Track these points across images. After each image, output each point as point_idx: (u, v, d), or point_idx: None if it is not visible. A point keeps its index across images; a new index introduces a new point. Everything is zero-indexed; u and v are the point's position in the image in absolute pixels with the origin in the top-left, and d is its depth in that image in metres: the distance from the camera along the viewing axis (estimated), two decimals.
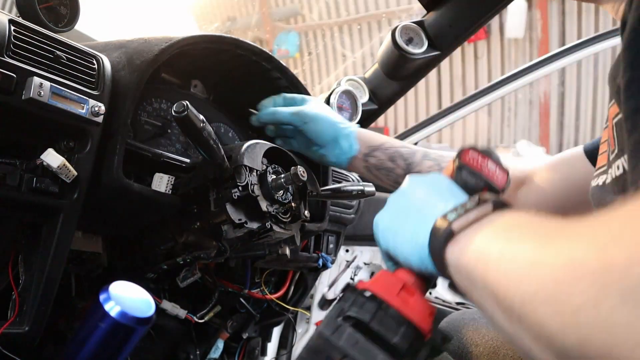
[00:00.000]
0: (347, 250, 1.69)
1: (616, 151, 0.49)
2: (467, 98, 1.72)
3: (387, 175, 0.90)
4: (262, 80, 1.03)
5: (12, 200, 0.65)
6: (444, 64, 5.39)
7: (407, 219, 0.49)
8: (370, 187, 0.93)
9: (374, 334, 0.44)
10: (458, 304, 1.61)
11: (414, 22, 1.27)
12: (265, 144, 0.85)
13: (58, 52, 0.68)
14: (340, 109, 1.23)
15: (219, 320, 1.24)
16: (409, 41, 1.26)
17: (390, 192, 0.58)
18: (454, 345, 0.84)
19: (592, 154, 0.77)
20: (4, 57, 0.61)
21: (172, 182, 0.82)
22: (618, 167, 0.49)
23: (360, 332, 0.44)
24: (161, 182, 0.81)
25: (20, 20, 0.67)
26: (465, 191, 0.50)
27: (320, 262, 1.23)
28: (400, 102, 5.17)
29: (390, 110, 6.09)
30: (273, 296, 1.22)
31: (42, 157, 0.66)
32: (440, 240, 0.43)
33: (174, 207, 0.83)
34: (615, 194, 0.49)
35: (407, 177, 0.55)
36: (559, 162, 0.85)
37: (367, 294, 0.47)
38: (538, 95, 5.75)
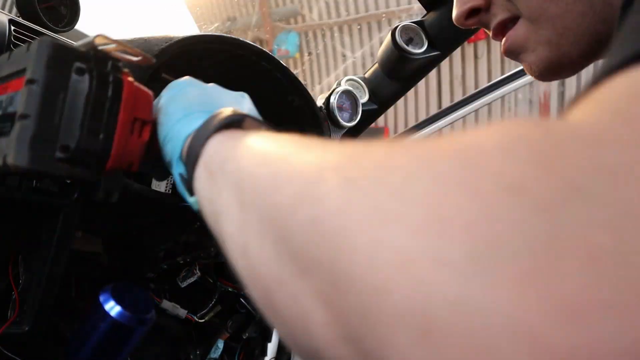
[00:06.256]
0: None
1: None
2: (467, 98, 1.72)
3: None
4: (263, 80, 1.03)
5: (12, 200, 0.65)
6: (444, 64, 5.40)
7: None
8: None
9: None
10: None
11: (414, 22, 1.27)
12: None
13: None
14: (340, 109, 1.23)
15: (219, 320, 1.24)
16: (409, 41, 1.26)
17: None
18: None
19: None
20: None
21: (172, 182, 0.82)
22: None
23: None
24: (161, 182, 0.81)
25: (20, 20, 0.67)
26: None
27: None
28: (400, 102, 5.17)
29: (390, 110, 6.09)
30: None
31: None
32: (215, 125, 0.37)
33: (174, 207, 0.83)
34: None
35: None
36: None
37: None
38: (538, 95, 5.74)
